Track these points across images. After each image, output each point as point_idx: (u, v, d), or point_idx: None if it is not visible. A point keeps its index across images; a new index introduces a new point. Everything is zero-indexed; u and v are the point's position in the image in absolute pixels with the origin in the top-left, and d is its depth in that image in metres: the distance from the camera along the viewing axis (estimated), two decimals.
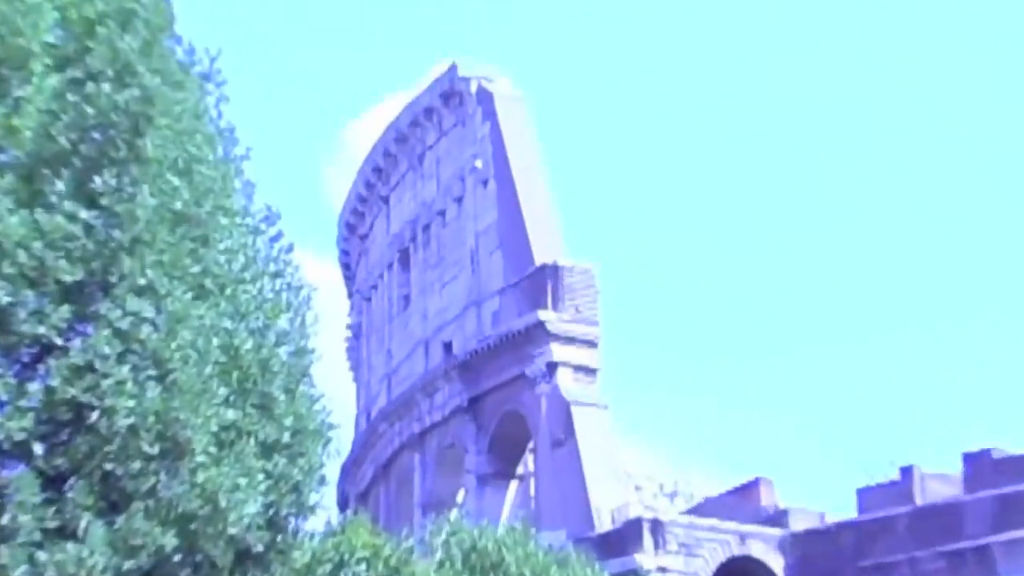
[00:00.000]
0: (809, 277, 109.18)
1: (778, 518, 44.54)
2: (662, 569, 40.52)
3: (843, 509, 45.25)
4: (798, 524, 44.21)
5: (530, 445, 46.95)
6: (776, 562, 42.93)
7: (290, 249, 15.14)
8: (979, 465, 41.80)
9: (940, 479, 43.31)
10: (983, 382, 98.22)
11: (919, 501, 42.94)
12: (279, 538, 14.78)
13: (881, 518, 42.74)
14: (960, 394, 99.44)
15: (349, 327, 60.45)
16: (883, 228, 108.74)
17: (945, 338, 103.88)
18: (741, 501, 45.51)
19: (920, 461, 44.44)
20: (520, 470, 48.77)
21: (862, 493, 44.15)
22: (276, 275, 15.00)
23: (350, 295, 61.19)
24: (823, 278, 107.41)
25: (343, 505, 51.16)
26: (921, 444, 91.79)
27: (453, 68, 49.26)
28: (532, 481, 47.40)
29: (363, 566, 17.91)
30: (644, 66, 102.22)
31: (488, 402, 47.90)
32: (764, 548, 42.71)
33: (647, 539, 41.24)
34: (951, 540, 41.09)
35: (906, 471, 43.82)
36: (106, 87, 12.92)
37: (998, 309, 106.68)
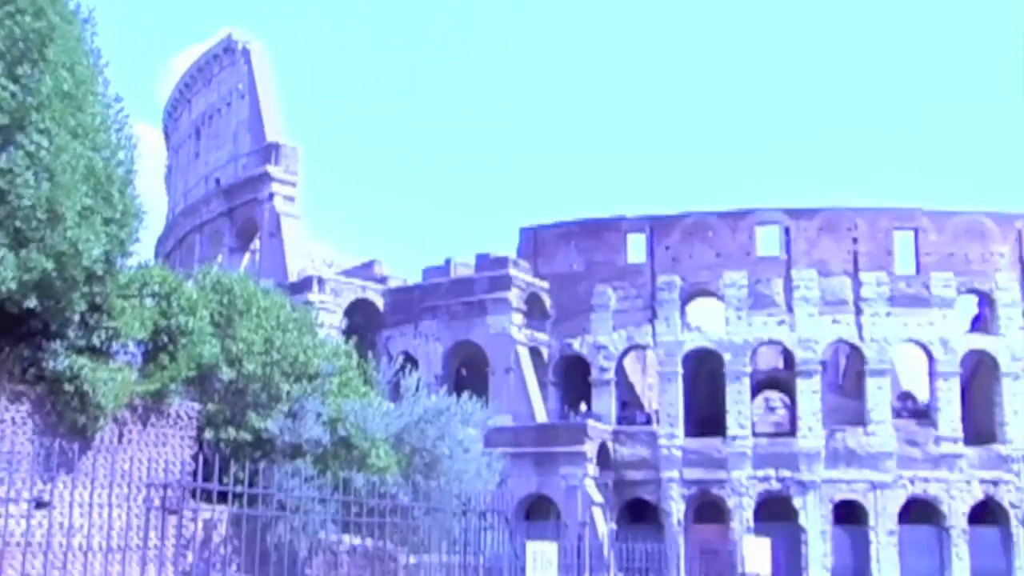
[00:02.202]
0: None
1: (382, 280, 66.84)
2: (322, 303, 58.02)
3: (416, 278, 68.20)
4: (392, 283, 66.96)
5: (258, 234, 68.92)
6: (379, 302, 65.02)
7: (122, 109, 20.22)
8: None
9: (464, 266, 66.18)
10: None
11: (452, 275, 65.88)
12: (111, 268, 19.58)
13: (433, 282, 65.76)
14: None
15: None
16: None
17: None
18: (365, 270, 68.35)
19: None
20: (255, 246, 70.95)
21: (426, 271, 67.69)
22: (119, 129, 19.95)
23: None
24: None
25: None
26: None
27: (229, 35, 72.79)
28: (259, 254, 69.08)
29: (156, 287, 22.01)
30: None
31: (239, 212, 70.46)
32: (374, 294, 64.95)
33: (315, 286, 60.79)
34: (471, 295, 62.96)
35: (447, 262, 66.60)
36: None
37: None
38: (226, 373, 24.07)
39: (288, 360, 24.97)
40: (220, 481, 17.71)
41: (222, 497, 18.83)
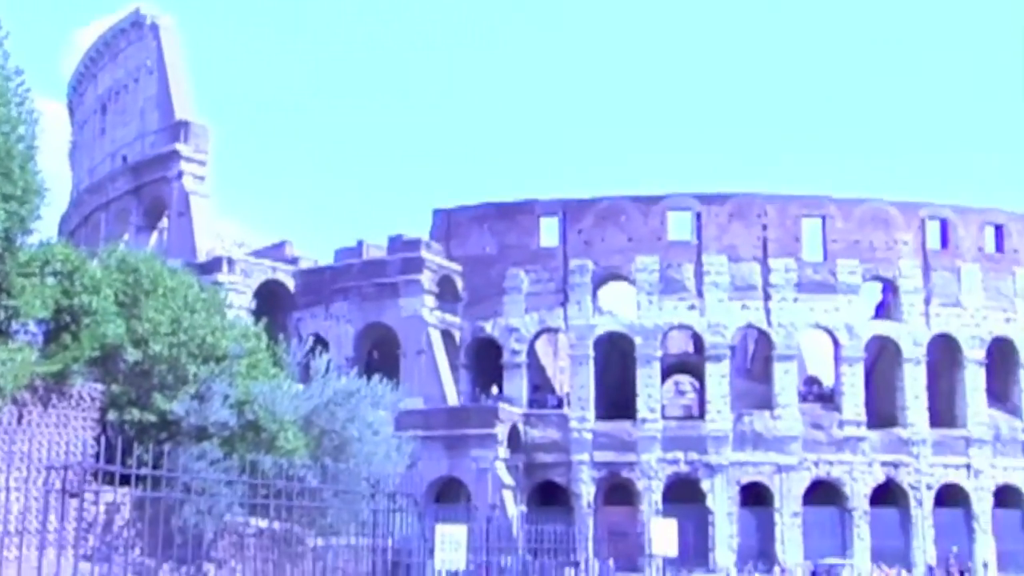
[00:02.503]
0: None
1: (293, 261, 69.23)
2: (232, 283, 60.60)
3: (328, 259, 70.54)
4: (303, 264, 69.03)
5: (166, 213, 69.88)
6: (290, 283, 67.47)
7: (23, 83, 20.30)
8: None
9: (377, 248, 68.44)
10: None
11: (365, 257, 68.33)
12: (11, 245, 20.01)
13: (345, 264, 67.92)
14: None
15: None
16: None
17: None
18: (276, 251, 70.67)
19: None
20: (163, 224, 71.80)
21: (338, 252, 70.38)
22: (20, 103, 20.22)
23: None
24: None
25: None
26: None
27: (137, 9, 72.59)
28: (167, 233, 70.18)
29: (58, 265, 21.97)
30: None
31: (146, 190, 71.06)
32: (285, 275, 67.47)
33: (225, 266, 63.02)
34: (383, 276, 65.56)
35: (360, 243, 69.46)
36: None
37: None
38: (131, 354, 23.67)
39: (196, 341, 24.73)
40: (123, 463, 17.35)
41: (125, 480, 18.40)
